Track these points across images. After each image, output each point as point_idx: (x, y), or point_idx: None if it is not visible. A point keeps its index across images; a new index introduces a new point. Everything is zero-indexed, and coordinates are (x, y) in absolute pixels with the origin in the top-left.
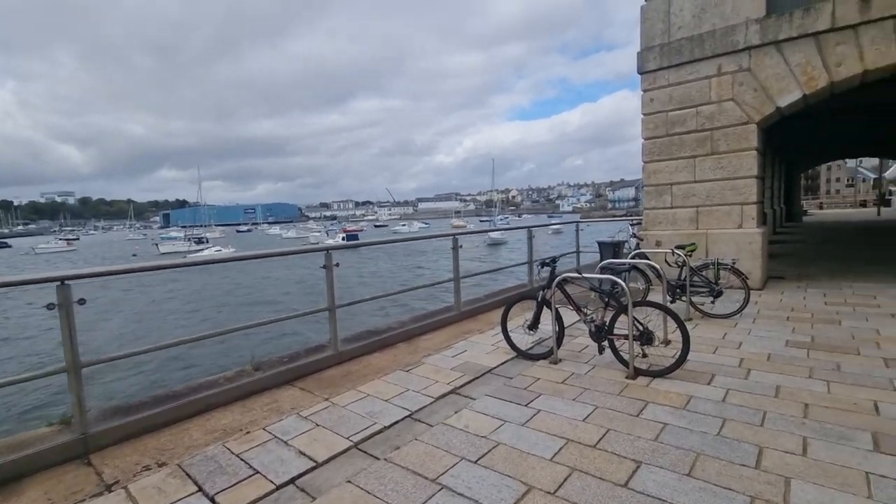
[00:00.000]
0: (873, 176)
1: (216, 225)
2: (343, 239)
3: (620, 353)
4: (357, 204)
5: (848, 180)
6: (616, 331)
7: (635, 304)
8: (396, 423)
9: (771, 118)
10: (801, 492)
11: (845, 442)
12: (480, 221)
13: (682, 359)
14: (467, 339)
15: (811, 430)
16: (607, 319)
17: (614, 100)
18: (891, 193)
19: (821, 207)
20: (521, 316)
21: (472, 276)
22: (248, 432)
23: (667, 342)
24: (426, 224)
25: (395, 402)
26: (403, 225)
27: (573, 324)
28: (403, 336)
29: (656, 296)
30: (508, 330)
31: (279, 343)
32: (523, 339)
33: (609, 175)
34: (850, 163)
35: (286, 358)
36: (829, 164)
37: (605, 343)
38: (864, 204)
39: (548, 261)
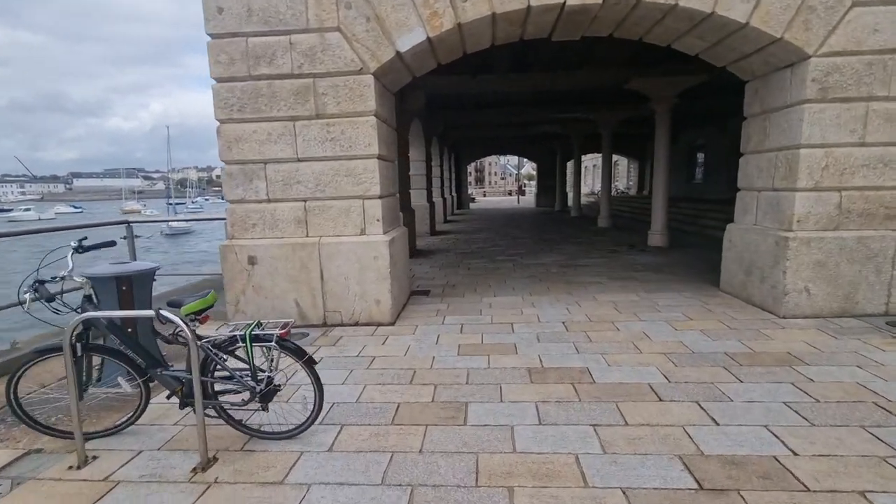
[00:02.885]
0: (515, 171)
1: None
2: None
3: None
4: None
5: (500, 174)
6: None
7: None
8: None
9: (395, 71)
10: None
11: None
12: (167, 205)
13: None
14: None
15: None
16: None
17: None
18: (526, 185)
19: (484, 195)
20: None
21: None
22: None
23: None
24: (78, 208)
25: None
26: (27, 209)
27: None
28: None
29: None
30: None
31: None
32: None
33: None
34: (502, 159)
35: None
36: (489, 159)
37: None
38: (510, 193)
39: None
